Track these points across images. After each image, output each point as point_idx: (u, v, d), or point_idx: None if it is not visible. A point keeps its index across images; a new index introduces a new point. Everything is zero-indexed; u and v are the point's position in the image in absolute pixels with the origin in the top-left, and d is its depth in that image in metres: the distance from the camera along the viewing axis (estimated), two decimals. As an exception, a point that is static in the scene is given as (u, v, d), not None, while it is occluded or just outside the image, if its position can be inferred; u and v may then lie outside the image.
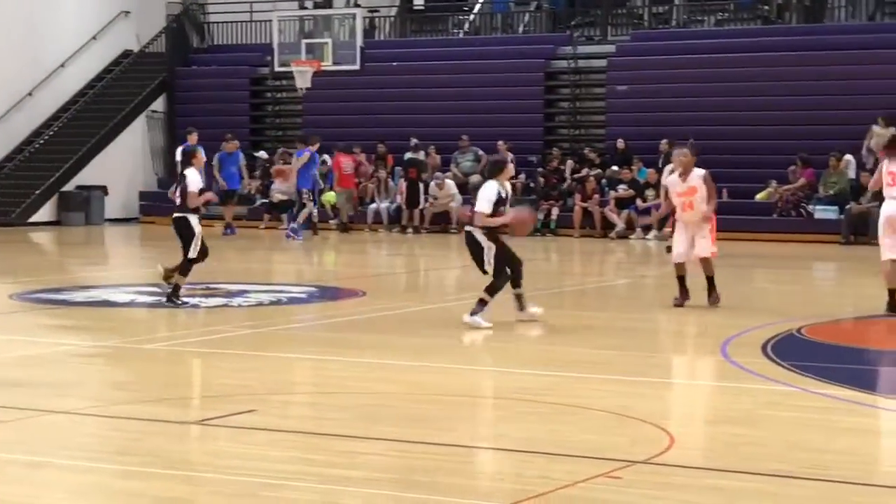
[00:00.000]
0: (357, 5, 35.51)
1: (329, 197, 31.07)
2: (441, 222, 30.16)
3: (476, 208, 13.44)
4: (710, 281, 14.98)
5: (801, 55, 29.70)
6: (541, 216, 29.19)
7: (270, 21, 34.06)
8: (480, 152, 31.23)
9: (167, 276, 15.37)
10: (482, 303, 13.32)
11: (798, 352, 12.21)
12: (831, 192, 27.48)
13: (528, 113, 32.24)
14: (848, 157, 27.80)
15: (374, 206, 30.95)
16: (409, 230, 29.95)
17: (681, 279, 15.03)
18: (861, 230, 26.30)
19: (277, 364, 11.21)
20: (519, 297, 13.74)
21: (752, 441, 8.13)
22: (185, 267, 15.10)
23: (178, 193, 15.15)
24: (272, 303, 15.80)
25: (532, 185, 30.03)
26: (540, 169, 30.42)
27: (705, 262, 14.94)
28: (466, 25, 36.47)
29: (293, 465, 7.45)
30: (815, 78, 29.26)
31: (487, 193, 13.42)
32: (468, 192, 30.57)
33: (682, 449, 7.81)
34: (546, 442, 8.02)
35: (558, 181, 30.05)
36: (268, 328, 13.64)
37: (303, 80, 30.70)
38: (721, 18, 34.08)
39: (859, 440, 8.16)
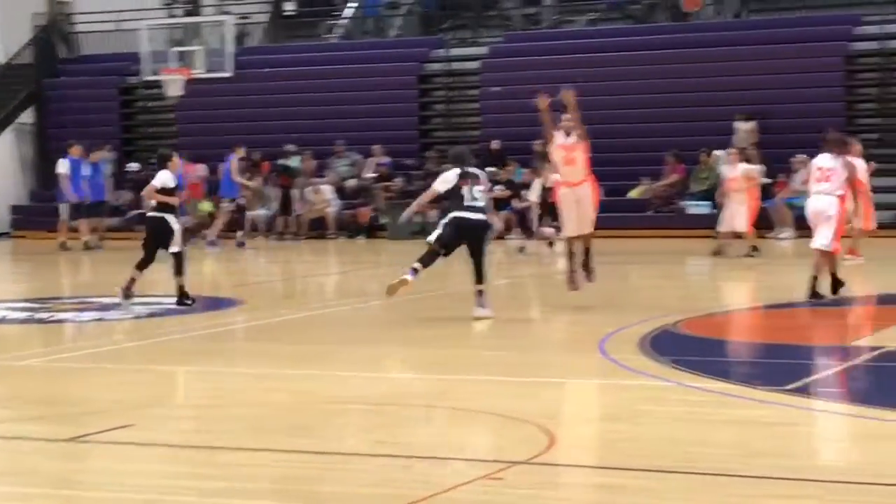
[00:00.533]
0: (227, 12, 35.26)
1: (204, 206, 30.85)
2: (318, 228, 30.07)
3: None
4: (588, 252, 15.10)
5: (670, 53, 30.14)
6: (419, 219, 29.25)
7: (139, 30, 33.68)
8: (357, 157, 31.23)
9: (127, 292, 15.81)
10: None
11: (674, 346, 12.36)
12: (703, 187, 27.89)
13: (403, 116, 32.30)
14: (718, 152, 28.22)
15: (250, 213, 30.75)
16: (287, 237, 29.82)
17: (571, 255, 15.12)
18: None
19: (156, 377, 11.09)
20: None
21: (632, 437, 8.21)
22: (178, 265, 15.78)
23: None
24: (150, 315, 15.61)
25: (410, 188, 30.04)
26: (420, 171, 30.46)
27: (588, 237, 15.08)
28: (339, 30, 36.41)
29: (174, 480, 7.37)
30: (685, 75, 29.70)
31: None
32: (346, 197, 30.58)
33: (562, 448, 7.87)
34: (428, 446, 8.03)
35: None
36: (146, 341, 13.48)
37: (173, 89, 30.44)
38: (592, 18, 34.43)
39: (735, 432, 8.28)
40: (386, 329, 14.07)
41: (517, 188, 28.61)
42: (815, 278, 14.95)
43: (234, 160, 27.90)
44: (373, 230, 29.93)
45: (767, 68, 29.20)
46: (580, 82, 29.98)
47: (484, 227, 14.32)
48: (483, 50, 32.76)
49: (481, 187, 14.31)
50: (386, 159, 30.84)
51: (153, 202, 15.82)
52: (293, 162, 31.13)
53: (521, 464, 7.43)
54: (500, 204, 28.82)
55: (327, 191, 30.17)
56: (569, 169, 15.15)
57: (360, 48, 34.60)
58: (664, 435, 8.25)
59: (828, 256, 14.98)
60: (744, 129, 28.24)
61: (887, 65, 29.13)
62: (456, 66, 32.70)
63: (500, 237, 28.08)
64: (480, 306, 14.02)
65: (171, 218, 15.75)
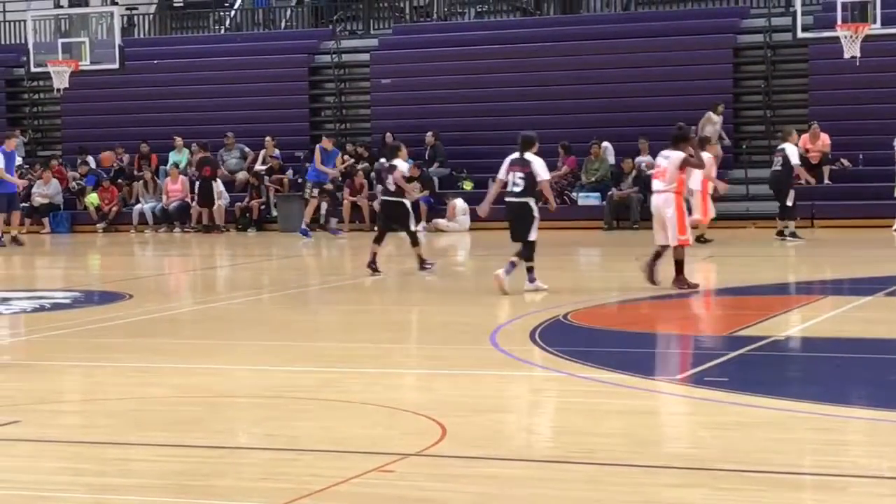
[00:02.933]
0: (115, 3, 34.76)
1: (92, 199, 30.52)
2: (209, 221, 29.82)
3: (542, 177, 15.82)
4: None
5: (559, 45, 30.28)
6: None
7: (25, 21, 33.12)
8: (246, 149, 30.99)
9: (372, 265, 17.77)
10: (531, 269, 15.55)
11: (565, 337, 12.43)
12: (593, 178, 28.08)
13: (294, 109, 32.13)
14: (606, 143, 28.44)
15: (139, 206, 30.42)
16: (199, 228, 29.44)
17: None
18: (623, 215, 26.96)
19: (42, 373, 10.90)
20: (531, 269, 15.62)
21: (523, 428, 8.23)
22: (414, 240, 18.36)
23: None
24: (35, 310, 15.36)
25: (301, 181, 29.86)
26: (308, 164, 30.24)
27: None
28: (228, 21, 36.13)
29: (61, 476, 7.25)
30: (574, 67, 29.85)
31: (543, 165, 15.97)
32: (235, 190, 30.33)
33: (454, 439, 7.85)
34: (317, 439, 7.98)
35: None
36: (31, 336, 13.26)
37: (60, 80, 29.95)
38: (481, 11, 34.51)
39: (625, 422, 8.33)
40: (275, 322, 13.96)
41: (408, 181, 28.53)
42: None
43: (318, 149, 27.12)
44: (263, 223, 29.73)
45: (657, 61, 29.45)
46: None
47: (522, 207, 15.77)
48: (373, 42, 32.71)
49: (521, 174, 15.70)
50: (276, 152, 30.64)
51: (391, 187, 18.16)
52: (175, 156, 30.77)
53: (413, 456, 7.41)
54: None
55: (217, 183, 29.88)
56: None
57: (250, 39, 34.37)
58: (555, 425, 8.28)
59: None
60: (713, 119, 27.80)
61: (773, 57, 29.52)
62: (346, 58, 32.61)
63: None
64: (531, 281, 15.56)
65: (406, 201, 18.36)
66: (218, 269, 22.25)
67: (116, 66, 30.53)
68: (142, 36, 35.94)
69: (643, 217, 26.73)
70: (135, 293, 16.61)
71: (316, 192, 26.92)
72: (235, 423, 8.71)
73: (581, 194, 28.16)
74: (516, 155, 15.98)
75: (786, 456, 7.35)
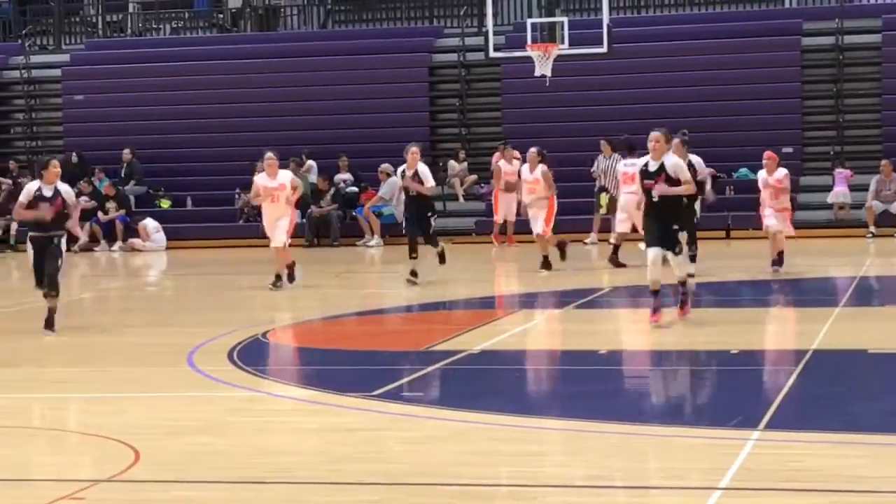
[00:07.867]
0: None
1: None
2: None
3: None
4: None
5: (256, 63, 30.17)
6: (-1, 232, 28.29)
7: None
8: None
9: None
10: None
11: (264, 356, 12.39)
12: (295, 196, 28.00)
13: (-20, 126, 31.08)
14: (310, 162, 28.46)
15: None
16: None
17: None
18: (323, 232, 27.03)
19: None
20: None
21: (219, 449, 8.15)
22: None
23: None
24: None
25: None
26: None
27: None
28: None
29: None
30: (272, 84, 29.78)
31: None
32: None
33: (148, 463, 7.71)
34: (4, 467, 7.71)
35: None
36: None
37: None
38: (177, 27, 34.09)
39: (322, 440, 8.34)
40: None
41: (102, 200, 27.96)
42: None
43: None
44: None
45: (355, 79, 29.64)
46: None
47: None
48: (65, 57, 31.91)
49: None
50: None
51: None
52: None
53: (104, 482, 7.24)
54: (85, 215, 28.09)
55: None
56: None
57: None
58: (251, 445, 8.23)
59: None
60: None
61: (468, 76, 30.09)
62: (37, 73, 31.72)
63: (88, 249, 27.42)
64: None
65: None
66: None
67: None
68: None
69: (343, 234, 26.92)
70: None
71: None
72: (-84, 455, 8.34)
73: (281, 212, 28.04)
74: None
75: (477, 468, 7.48)
